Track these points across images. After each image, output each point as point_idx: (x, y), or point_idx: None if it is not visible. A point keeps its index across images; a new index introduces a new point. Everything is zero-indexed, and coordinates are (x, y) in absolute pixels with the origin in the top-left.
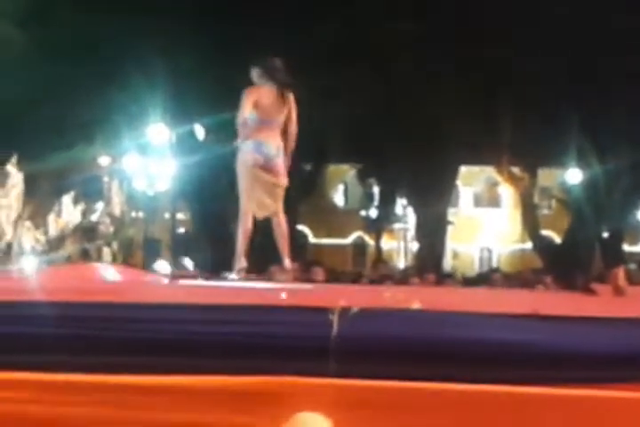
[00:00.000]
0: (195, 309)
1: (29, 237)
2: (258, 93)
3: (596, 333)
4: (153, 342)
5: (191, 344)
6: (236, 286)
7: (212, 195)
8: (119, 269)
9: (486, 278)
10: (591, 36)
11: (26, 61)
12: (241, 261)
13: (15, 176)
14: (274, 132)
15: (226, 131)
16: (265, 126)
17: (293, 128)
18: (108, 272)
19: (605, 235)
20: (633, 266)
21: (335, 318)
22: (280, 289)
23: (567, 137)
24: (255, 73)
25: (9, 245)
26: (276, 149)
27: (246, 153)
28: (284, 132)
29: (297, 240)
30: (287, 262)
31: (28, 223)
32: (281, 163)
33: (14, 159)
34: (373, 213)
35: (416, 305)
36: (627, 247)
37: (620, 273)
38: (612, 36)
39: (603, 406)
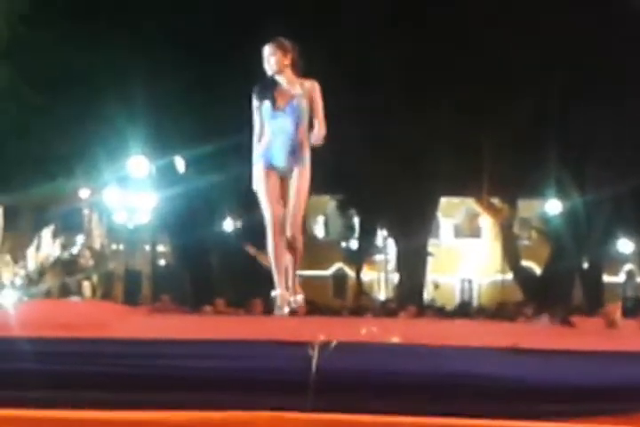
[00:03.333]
0: (175, 344)
1: (8, 272)
2: None
3: (575, 366)
4: (133, 377)
5: (172, 379)
6: (218, 319)
7: (193, 227)
8: (98, 303)
9: (466, 310)
10: (570, 66)
11: (6, 94)
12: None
13: None
14: None
15: (206, 163)
16: None
17: None
18: (88, 307)
19: (585, 266)
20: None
21: (315, 353)
22: (262, 323)
23: (546, 168)
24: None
25: None
26: None
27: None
28: None
29: None
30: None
31: (7, 257)
32: None
33: None
34: (354, 244)
35: (395, 339)
36: (606, 278)
37: (617, 308)
38: (589, 65)
39: None
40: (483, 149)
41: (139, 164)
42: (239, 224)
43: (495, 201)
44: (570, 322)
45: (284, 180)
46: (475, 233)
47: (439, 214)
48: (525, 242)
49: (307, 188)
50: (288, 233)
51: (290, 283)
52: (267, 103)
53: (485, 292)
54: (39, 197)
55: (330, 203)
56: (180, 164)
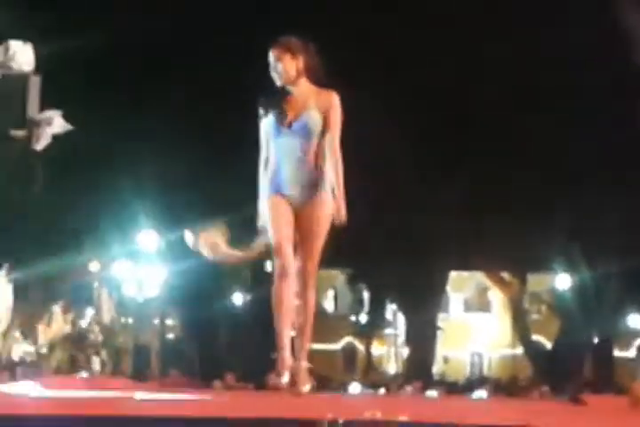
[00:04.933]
0: (179, 422)
1: (18, 348)
2: None
3: None
4: None
5: None
6: (226, 395)
7: (202, 301)
8: (106, 380)
9: (477, 386)
10: (577, 146)
11: (15, 167)
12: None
13: (5, 288)
14: None
15: None
16: None
17: None
18: (95, 383)
19: (596, 340)
20: None
21: None
22: (270, 398)
23: (556, 243)
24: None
25: None
26: None
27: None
28: None
29: None
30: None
31: (17, 333)
32: None
33: (4, 270)
34: (363, 318)
35: (403, 417)
36: (617, 353)
37: None
38: (599, 145)
39: None
40: (492, 223)
41: (148, 237)
42: (248, 298)
43: (505, 275)
44: (581, 400)
45: (296, 209)
46: (484, 307)
47: (449, 288)
48: (535, 316)
49: (328, 215)
50: (298, 262)
51: (297, 346)
52: (271, 117)
53: (496, 366)
54: (49, 271)
55: (339, 277)
56: (189, 238)
